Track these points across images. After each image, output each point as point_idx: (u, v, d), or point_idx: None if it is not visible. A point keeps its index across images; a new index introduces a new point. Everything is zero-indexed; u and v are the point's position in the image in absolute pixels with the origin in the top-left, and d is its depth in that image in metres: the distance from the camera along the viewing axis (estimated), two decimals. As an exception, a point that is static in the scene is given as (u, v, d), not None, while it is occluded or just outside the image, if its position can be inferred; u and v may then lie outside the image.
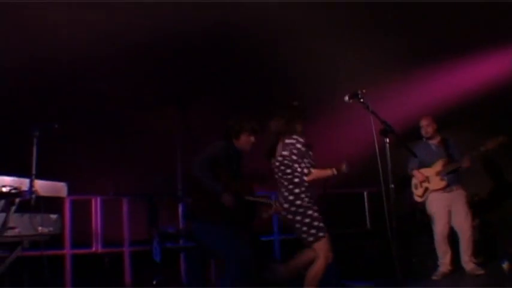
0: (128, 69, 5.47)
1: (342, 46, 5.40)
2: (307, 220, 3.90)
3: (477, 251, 5.85)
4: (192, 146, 6.01)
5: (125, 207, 5.61)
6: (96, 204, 5.60)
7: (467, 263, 5.69)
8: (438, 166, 5.74)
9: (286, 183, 3.98)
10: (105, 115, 5.78)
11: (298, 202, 3.91)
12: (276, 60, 5.59)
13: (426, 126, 5.84)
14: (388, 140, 3.50)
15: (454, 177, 5.72)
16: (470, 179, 6.17)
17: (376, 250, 6.02)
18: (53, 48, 4.97)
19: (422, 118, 5.92)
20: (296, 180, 3.94)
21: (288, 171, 3.97)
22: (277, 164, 4.03)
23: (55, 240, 5.15)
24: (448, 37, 5.55)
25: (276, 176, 4.09)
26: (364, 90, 3.68)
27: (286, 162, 3.97)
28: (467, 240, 5.68)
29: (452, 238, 5.90)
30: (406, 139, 6.65)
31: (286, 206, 3.95)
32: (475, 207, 6.02)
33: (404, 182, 6.43)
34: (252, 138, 4.19)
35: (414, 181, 6.02)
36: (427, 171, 5.84)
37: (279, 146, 4.05)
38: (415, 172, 5.92)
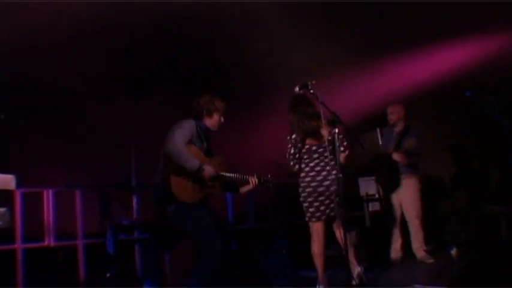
0: (80, 60, 5.35)
1: (297, 38, 5.41)
2: None
3: (428, 239, 6.03)
4: (146, 138, 5.95)
5: (78, 200, 5.50)
6: (48, 197, 5.48)
7: (418, 250, 5.85)
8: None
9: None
10: (57, 106, 5.64)
11: None
12: (231, 52, 5.57)
13: (390, 114, 5.96)
14: (336, 130, 3.54)
15: (405, 166, 5.84)
16: (428, 166, 6.33)
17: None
18: (0, 38, 4.81)
19: (389, 106, 6.02)
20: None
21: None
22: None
23: (5, 234, 5.05)
24: (402, 29, 5.63)
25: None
26: (313, 81, 3.72)
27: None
28: (416, 228, 5.84)
29: (405, 225, 6.06)
30: (357, 129, 6.80)
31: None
32: (426, 194, 6.18)
33: (354, 171, 6.55)
34: (222, 119, 4.24)
35: None
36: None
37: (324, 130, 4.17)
38: (395, 155, 5.96)
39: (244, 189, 4.26)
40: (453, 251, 5.52)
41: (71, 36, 4.99)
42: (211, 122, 4.22)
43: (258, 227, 6.64)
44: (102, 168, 5.65)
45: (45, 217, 5.45)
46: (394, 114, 5.93)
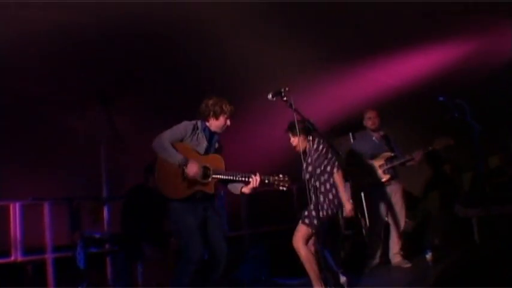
0: (46, 65, 5.17)
1: (268, 43, 5.36)
2: None
3: (404, 244, 6.04)
4: (117, 146, 5.82)
5: (46, 212, 5.33)
6: (14, 210, 5.29)
7: (396, 255, 5.85)
8: (380, 160, 5.82)
9: None
10: (22, 114, 5.44)
11: None
12: (202, 58, 5.48)
13: (374, 118, 5.89)
14: (311, 138, 3.50)
15: (393, 172, 5.84)
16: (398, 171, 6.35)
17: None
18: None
19: (368, 110, 5.95)
20: None
21: None
22: None
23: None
24: (376, 33, 5.64)
25: None
26: (287, 88, 3.67)
27: None
28: (400, 234, 5.84)
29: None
30: (332, 137, 6.80)
31: None
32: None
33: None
34: (229, 122, 4.16)
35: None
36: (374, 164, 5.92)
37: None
38: (371, 161, 5.94)
39: (246, 189, 4.06)
40: (428, 255, 5.55)
41: (38, 43, 4.83)
42: (217, 124, 4.16)
43: (232, 235, 6.56)
44: (71, 179, 5.49)
45: (12, 231, 5.26)
46: (377, 118, 5.90)
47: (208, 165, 4.00)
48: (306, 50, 5.53)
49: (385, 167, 5.76)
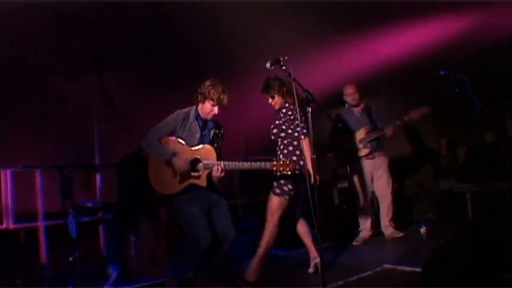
0: (38, 30, 5.02)
1: (266, 13, 5.24)
2: None
3: (396, 216, 6.06)
4: (111, 114, 5.71)
5: (38, 180, 5.26)
6: (5, 178, 5.22)
7: (387, 227, 5.89)
8: (361, 133, 5.83)
9: None
10: (13, 81, 5.31)
11: None
12: (198, 29, 5.35)
13: (353, 94, 5.88)
14: (309, 109, 3.43)
15: (376, 144, 5.84)
16: (390, 144, 6.33)
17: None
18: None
19: (347, 86, 5.95)
20: None
21: None
22: None
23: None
24: (377, 4, 5.52)
25: None
26: (286, 57, 3.59)
27: None
28: (388, 206, 5.88)
29: (373, 204, 6.07)
30: (329, 107, 6.73)
31: None
32: (394, 172, 6.19)
33: (325, 150, 6.50)
34: (215, 109, 4.02)
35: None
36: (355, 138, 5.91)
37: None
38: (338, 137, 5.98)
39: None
40: (422, 229, 5.58)
41: (32, 9, 4.67)
42: (203, 109, 4.06)
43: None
44: (63, 146, 5.39)
45: (3, 198, 5.20)
46: (356, 93, 5.88)
47: (198, 157, 3.94)
48: (304, 20, 5.42)
49: (365, 140, 5.78)
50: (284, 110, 4.35)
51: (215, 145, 4.08)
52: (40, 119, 5.69)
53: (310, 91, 3.51)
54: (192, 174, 3.94)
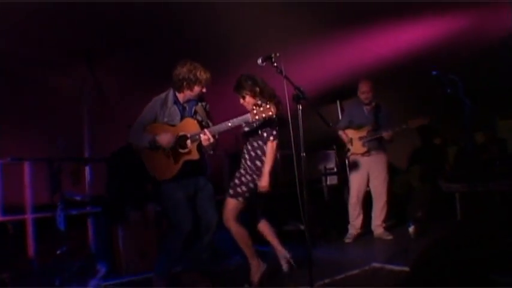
0: (28, 22, 4.96)
1: (259, 10, 5.21)
2: None
3: (388, 215, 6.07)
4: (102, 106, 5.67)
5: (26, 172, 5.22)
6: (-6, 170, 5.17)
7: (378, 227, 5.90)
8: (363, 131, 5.84)
9: None
10: (2, 73, 5.24)
11: None
12: (192, 21, 5.31)
13: (367, 92, 5.87)
14: (300, 106, 3.41)
15: (376, 143, 5.84)
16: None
17: (287, 214, 6.05)
18: None
19: (362, 83, 5.90)
20: None
21: None
22: None
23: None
24: (371, 2, 5.50)
25: None
26: (277, 54, 3.56)
27: None
28: (382, 206, 5.88)
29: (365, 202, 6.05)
30: (320, 104, 6.72)
31: None
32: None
33: (316, 147, 6.50)
34: (203, 90, 4.03)
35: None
36: (352, 133, 5.94)
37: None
38: (340, 133, 5.98)
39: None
40: (411, 228, 5.60)
41: (23, 1, 4.61)
42: (192, 94, 4.05)
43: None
44: (53, 139, 5.34)
45: (-9, 190, 5.16)
46: (370, 92, 5.86)
47: (183, 133, 3.93)
48: (297, 16, 5.39)
49: (365, 139, 5.80)
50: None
51: (196, 117, 4.07)
52: (30, 111, 5.63)
53: (301, 88, 3.48)
54: (182, 151, 3.94)
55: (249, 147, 4.23)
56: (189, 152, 3.93)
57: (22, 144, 5.62)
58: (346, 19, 5.57)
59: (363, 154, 5.85)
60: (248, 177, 4.19)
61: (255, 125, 4.15)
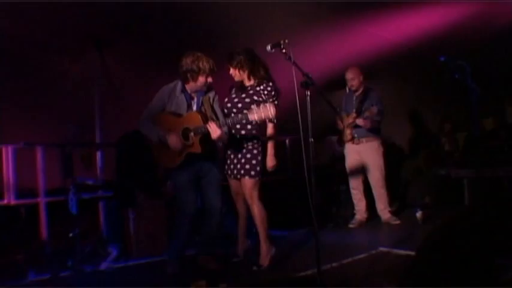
0: (39, 8, 4.99)
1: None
2: None
3: (392, 200, 6.10)
4: (112, 92, 5.73)
5: (39, 157, 5.30)
6: (7, 154, 5.26)
7: (383, 211, 5.93)
8: (350, 118, 5.86)
9: None
10: (14, 59, 5.31)
11: None
12: (201, 7, 5.32)
13: (351, 80, 5.89)
14: (308, 93, 3.43)
15: (363, 131, 5.84)
16: (391, 128, 6.35)
17: (296, 199, 6.10)
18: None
19: (348, 70, 5.92)
20: None
21: None
22: None
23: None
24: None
25: None
26: (286, 40, 3.58)
27: None
28: (379, 192, 5.91)
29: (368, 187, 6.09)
30: (330, 90, 6.73)
31: None
32: (392, 156, 6.22)
33: (325, 132, 6.53)
34: (210, 79, 4.07)
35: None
36: (345, 121, 5.97)
37: None
38: (338, 121, 6.03)
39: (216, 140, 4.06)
40: (418, 214, 5.62)
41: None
42: (197, 85, 4.08)
43: (222, 185, 6.56)
44: (64, 124, 5.41)
45: (5, 175, 5.24)
46: (355, 79, 5.87)
47: (187, 125, 3.98)
48: (305, 2, 5.38)
49: (350, 126, 5.82)
50: (269, 89, 4.25)
51: (202, 109, 4.10)
52: (41, 97, 5.70)
53: (310, 75, 3.50)
54: (186, 143, 3.99)
55: (237, 126, 4.26)
56: (192, 145, 3.98)
57: (34, 128, 5.70)
58: (354, 4, 5.54)
59: (352, 141, 5.88)
60: (259, 157, 4.25)
61: (250, 102, 4.18)
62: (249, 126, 4.25)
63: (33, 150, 5.25)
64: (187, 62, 4.00)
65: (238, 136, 4.27)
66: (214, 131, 3.86)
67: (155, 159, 4.21)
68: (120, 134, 5.66)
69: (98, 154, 5.60)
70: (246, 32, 5.52)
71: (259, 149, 4.28)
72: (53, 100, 5.73)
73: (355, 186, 6.00)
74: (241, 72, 4.31)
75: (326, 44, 6.26)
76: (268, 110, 3.69)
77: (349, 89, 6.01)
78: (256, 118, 3.74)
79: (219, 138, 3.93)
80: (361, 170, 5.98)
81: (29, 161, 5.32)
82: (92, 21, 5.32)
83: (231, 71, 4.35)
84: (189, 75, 4.02)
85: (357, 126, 5.82)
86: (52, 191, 5.25)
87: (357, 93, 5.94)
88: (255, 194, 4.21)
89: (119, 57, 5.82)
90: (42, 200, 5.24)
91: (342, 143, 6.09)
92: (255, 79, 4.30)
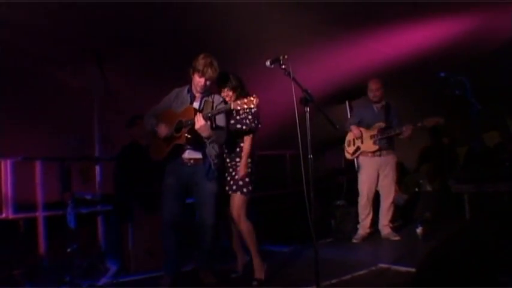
0: (39, 21, 5.01)
1: (267, 8, 5.22)
2: None
3: (396, 215, 6.07)
4: (111, 105, 5.71)
5: (37, 171, 5.29)
6: (5, 168, 5.25)
7: (385, 227, 5.89)
8: (374, 130, 5.82)
9: None
10: (13, 71, 5.31)
11: None
12: (200, 20, 5.33)
13: (375, 90, 5.87)
14: (308, 109, 3.43)
15: (386, 143, 5.83)
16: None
17: (295, 213, 6.08)
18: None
19: (372, 81, 5.91)
20: None
21: None
22: None
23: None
24: (379, 3, 5.50)
25: None
26: (286, 56, 3.58)
27: None
28: (389, 205, 5.86)
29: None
30: (328, 105, 6.73)
31: None
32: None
33: (324, 147, 6.51)
34: (202, 80, 4.09)
35: (349, 137, 6.09)
36: (362, 132, 5.92)
37: None
38: (353, 127, 5.97)
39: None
40: (419, 230, 5.58)
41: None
42: (195, 83, 4.18)
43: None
44: (63, 137, 5.39)
45: (3, 188, 5.23)
46: (379, 90, 5.86)
47: (181, 118, 4.08)
48: (305, 17, 5.39)
49: (376, 137, 5.78)
50: (254, 110, 4.30)
51: (202, 108, 4.14)
52: (40, 110, 5.70)
53: (309, 91, 3.50)
54: (175, 135, 4.08)
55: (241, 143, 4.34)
56: (179, 136, 4.06)
57: (33, 142, 5.69)
58: (354, 20, 5.56)
59: (374, 153, 5.83)
60: (252, 175, 4.30)
61: (241, 123, 4.27)
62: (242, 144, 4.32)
63: (32, 164, 5.24)
64: (197, 58, 4.16)
65: (232, 155, 4.33)
66: (198, 121, 3.89)
67: (149, 151, 4.38)
68: (119, 148, 5.64)
69: (97, 168, 5.58)
70: (246, 48, 5.54)
71: (252, 167, 4.30)
72: (52, 113, 5.72)
73: (367, 200, 5.91)
74: (231, 93, 4.40)
75: (326, 58, 6.26)
76: (250, 102, 3.73)
77: (369, 101, 5.96)
78: (238, 108, 3.83)
79: (201, 128, 3.92)
80: (376, 183, 5.93)
81: (27, 175, 5.31)
82: (92, 34, 5.33)
83: (225, 92, 4.38)
84: (191, 70, 4.17)
85: (384, 138, 5.77)
86: (50, 205, 5.23)
87: (378, 105, 5.91)
88: (243, 212, 4.22)
89: (119, 70, 5.82)
90: (40, 214, 5.23)
91: (351, 152, 6.05)
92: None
